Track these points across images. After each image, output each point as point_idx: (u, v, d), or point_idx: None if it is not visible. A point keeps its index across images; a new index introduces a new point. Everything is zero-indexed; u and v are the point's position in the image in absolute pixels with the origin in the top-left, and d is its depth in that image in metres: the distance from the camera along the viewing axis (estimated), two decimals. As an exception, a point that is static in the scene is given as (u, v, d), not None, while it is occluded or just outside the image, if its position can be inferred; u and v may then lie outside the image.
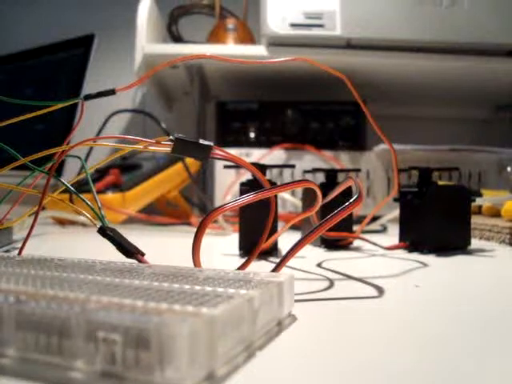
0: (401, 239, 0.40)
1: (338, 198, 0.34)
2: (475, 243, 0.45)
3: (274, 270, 0.22)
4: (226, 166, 0.41)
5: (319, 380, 0.13)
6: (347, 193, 0.38)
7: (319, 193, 0.28)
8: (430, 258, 0.35)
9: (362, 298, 0.23)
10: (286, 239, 0.42)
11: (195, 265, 0.23)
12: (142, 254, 0.24)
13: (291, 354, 0.15)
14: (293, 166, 0.49)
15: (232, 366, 0.14)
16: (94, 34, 0.94)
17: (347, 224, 0.40)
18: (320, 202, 0.28)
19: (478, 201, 0.44)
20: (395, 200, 0.41)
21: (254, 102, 0.86)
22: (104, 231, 0.25)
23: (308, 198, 0.43)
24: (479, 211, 0.61)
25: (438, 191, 0.39)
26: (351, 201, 0.23)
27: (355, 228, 0.43)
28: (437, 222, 0.38)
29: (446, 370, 0.14)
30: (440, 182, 0.41)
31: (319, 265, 0.32)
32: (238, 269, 0.24)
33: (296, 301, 0.20)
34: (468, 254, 0.38)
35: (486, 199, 0.51)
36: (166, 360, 0.12)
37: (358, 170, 0.48)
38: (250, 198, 0.24)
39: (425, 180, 0.40)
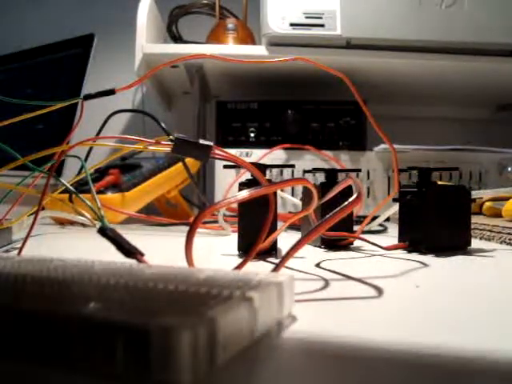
0: (400, 239, 0.40)
1: (338, 198, 0.34)
2: (475, 243, 0.45)
3: (273, 270, 0.22)
4: (225, 166, 0.41)
5: (319, 380, 0.13)
6: (347, 193, 0.38)
7: (314, 191, 0.28)
8: (429, 259, 0.35)
9: (362, 299, 0.23)
10: (286, 239, 0.42)
11: (188, 263, 0.23)
12: (142, 254, 0.24)
13: (291, 355, 0.15)
14: (292, 166, 0.49)
15: (232, 367, 0.14)
16: (93, 33, 0.94)
17: (347, 224, 0.40)
18: (316, 200, 0.28)
19: (478, 193, 0.44)
20: (394, 200, 0.41)
21: (254, 101, 0.86)
22: (104, 231, 0.25)
23: (307, 197, 0.43)
24: (480, 211, 0.61)
25: (438, 191, 0.39)
26: (350, 200, 0.23)
27: (356, 228, 0.42)
28: (436, 222, 0.38)
29: (447, 369, 0.14)
30: (440, 182, 0.41)
31: (319, 265, 0.32)
32: (235, 268, 0.24)
33: (296, 301, 0.20)
34: (468, 254, 0.37)
35: (486, 192, 0.50)
36: (166, 360, 0.12)
37: (358, 170, 0.48)
38: (244, 196, 0.24)
39: (424, 180, 0.40)
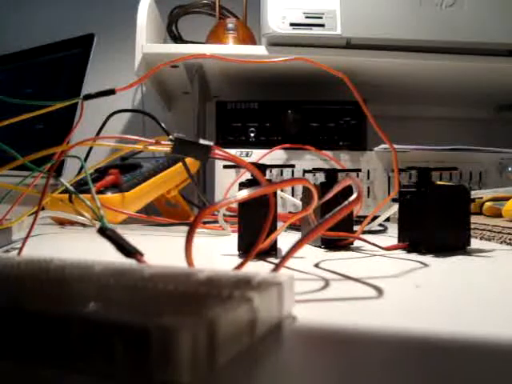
0: (399, 239, 0.40)
1: (338, 198, 0.34)
2: (475, 243, 0.45)
3: (273, 270, 0.22)
4: (225, 166, 0.41)
5: (319, 380, 0.13)
6: (347, 193, 0.38)
7: (314, 191, 0.28)
8: (429, 259, 0.35)
9: (362, 299, 0.23)
10: (286, 239, 0.42)
11: (188, 264, 0.23)
12: (141, 255, 0.24)
13: (291, 355, 0.15)
14: (292, 166, 0.49)
15: (232, 367, 0.14)
16: (93, 33, 0.94)
17: (348, 224, 0.40)
18: (316, 199, 0.28)
19: (478, 193, 0.44)
20: (393, 200, 0.41)
21: (254, 101, 0.86)
22: (103, 231, 0.25)
23: (307, 197, 0.43)
24: (480, 211, 0.61)
25: (437, 191, 0.38)
26: (350, 200, 0.23)
27: (356, 228, 0.42)
28: (435, 222, 0.38)
29: (447, 370, 0.14)
30: (440, 182, 0.41)
31: (319, 265, 0.32)
32: (235, 268, 0.24)
33: (296, 301, 0.20)
34: (467, 254, 0.37)
35: (486, 191, 0.50)
36: (166, 361, 0.12)
37: (358, 170, 0.48)
38: (244, 195, 0.24)
39: (423, 180, 0.40)
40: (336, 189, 0.32)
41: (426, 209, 0.38)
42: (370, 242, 0.38)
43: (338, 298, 0.23)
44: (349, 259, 0.36)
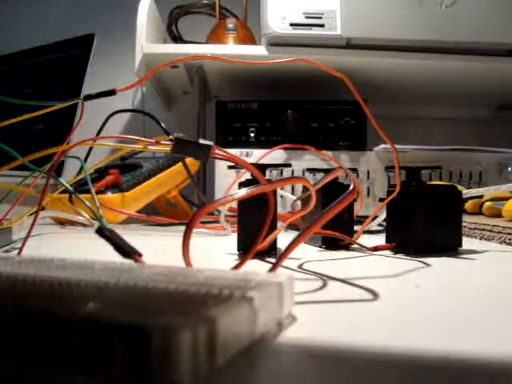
0: (387, 240, 0.39)
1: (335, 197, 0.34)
2: (475, 243, 0.44)
3: (270, 270, 0.22)
4: (229, 167, 0.41)
5: (319, 380, 0.13)
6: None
7: (313, 189, 0.28)
8: (414, 260, 0.34)
9: (361, 300, 0.23)
10: (286, 239, 0.42)
11: (186, 262, 0.23)
12: (140, 255, 0.24)
13: (291, 355, 0.15)
14: (289, 166, 0.49)
15: (232, 367, 0.14)
16: (93, 33, 0.94)
17: (348, 224, 0.40)
18: (314, 199, 0.28)
19: (469, 193, 0.43)
20: (381, 200, 0.40)
21: (254, 101, 0.86)
22: (101, 231, 0.25)
23: (306, 196, 0.43)
24: (480, 211, 0.61)
25: (425, 191, 0.37)
26: (347, 192, 0.23)
27: (357, 228, 0.42)
28: (423, 222, 0.37)
29: (447, 371, 0.14)
30: (440, 183, 0.41)
31: (318, 265, 0.32)
32: (233, 268, 0.24)
33: (296, 301, 0.20)
34: (455, 255, 0.36)
35: (474, 191, 0.49)
36: (166, 361, 0.12)
37: (355, 170, 0.48)
38: (243, 194, 0.23)
39: (412, 179, 0.39)
40: (328, 177, 0.32)
41: (412, 209, 0.37)
42: (356, 243, 0.38)
43: (337, 297, 0.23)
44: (349, 259, 0.36)
